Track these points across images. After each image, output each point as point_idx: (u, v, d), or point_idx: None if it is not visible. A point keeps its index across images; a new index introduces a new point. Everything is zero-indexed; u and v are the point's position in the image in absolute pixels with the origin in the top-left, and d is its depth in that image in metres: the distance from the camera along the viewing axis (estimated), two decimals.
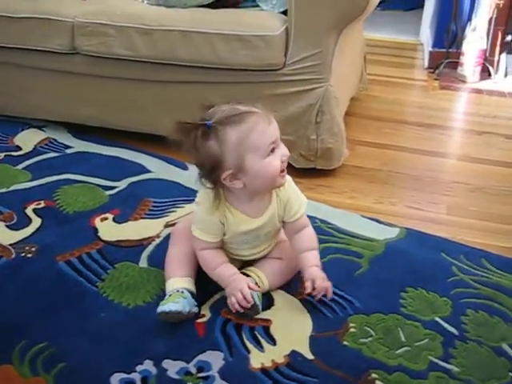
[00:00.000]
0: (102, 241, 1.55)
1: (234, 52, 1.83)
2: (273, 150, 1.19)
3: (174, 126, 1.16)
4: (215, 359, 1.17)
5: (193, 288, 1.31)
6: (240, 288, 1.25)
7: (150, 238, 1.57)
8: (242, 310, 1.26)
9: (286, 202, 1.31)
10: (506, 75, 3.24)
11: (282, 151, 1.21)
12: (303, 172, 1.93)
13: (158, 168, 1.97)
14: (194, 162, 1.24)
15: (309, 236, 1.35)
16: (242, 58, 1.83)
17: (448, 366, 1.18)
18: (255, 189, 1.24)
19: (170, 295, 1.26)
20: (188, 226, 1.34)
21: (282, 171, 1.23)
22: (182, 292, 1.26)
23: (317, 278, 1.28)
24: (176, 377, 1.13)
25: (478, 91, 3.07)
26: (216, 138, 1.16)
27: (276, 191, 1.30)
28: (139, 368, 1.15)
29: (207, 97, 1.92)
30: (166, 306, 1.22)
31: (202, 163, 1.20)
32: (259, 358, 1.18)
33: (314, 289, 1.28)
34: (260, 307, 1.29)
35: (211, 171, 1.19)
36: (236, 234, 1.30)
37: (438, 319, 1.31)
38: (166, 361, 1.17)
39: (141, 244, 1.54)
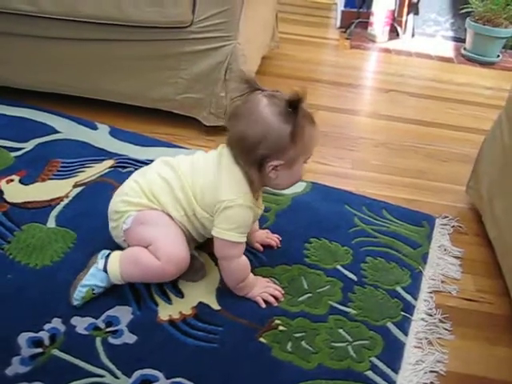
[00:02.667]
0: (8, 203, 1.52)
1: (140, 8, 1.79)
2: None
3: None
4: (124, 313, 1.20)
5: None
6: (266, 284, 1.29)
7: (58, 198, 1.55)
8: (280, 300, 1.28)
9: None
10: (413, 35, 3.37)
11: (304, 165, 1.21)
12: (214, 130, 1.95)
13: (67, 128, 1.92)
14: (257, 135, 1.12)
15: None
16: (148, 15, 1.80)
17: (346, 309, 1.26)
18: (280, 185, 1.24)
19: None
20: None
21: None
22: None
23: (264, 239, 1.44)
24: (85, 332, 1.15)
25: (387, 50, 3.18)
26: (294, 127, 1.11)
27: None
28: (47, 326, 1.15)
29: (114, 55, 1.91)
30: None
31: (262, 141, 1.12)
32: (167, 311, 1.21)
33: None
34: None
35: (271, 154, 1.13)
36: None
37: (339, 267, 1.39)
38: (74, 318, 1.17)
39: (49, 205, 1.52)
